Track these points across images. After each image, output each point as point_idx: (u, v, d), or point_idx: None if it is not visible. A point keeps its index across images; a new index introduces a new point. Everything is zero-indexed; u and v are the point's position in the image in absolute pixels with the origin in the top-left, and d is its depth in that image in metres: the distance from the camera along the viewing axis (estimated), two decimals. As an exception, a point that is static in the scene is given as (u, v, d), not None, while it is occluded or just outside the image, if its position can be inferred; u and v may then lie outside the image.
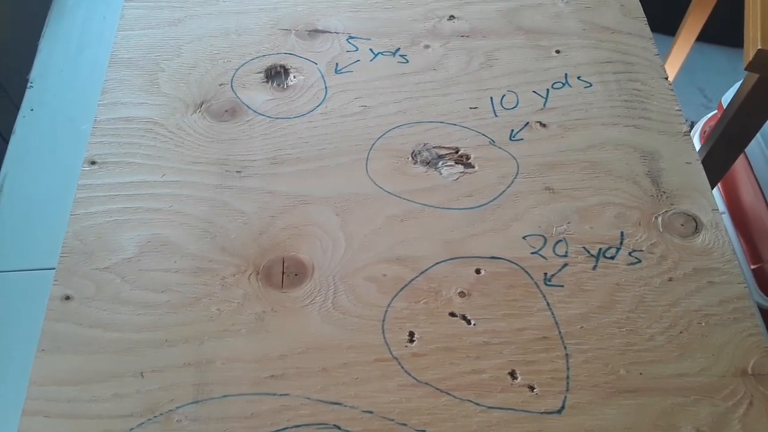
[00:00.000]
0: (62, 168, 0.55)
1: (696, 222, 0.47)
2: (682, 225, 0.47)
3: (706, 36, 1.20)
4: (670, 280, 0.44)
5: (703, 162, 0.76)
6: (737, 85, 0.80)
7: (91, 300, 0.43)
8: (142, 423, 0.39)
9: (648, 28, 0.57)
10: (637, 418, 0.39)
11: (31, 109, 0.59)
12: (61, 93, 0.61)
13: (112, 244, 0.45)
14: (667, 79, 0.54)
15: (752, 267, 1.04)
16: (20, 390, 0.39)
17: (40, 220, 0.54)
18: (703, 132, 1.13)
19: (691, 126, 1.24)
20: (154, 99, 0.52)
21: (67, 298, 0.43)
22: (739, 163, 1.08)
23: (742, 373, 0.41)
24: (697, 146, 0.83)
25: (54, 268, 0.44)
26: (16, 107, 0.60)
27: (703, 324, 0.43)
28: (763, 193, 1.02)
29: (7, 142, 0.58)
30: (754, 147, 1.05)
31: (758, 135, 1.02)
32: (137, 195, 0.47)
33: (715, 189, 1.13)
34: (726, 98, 1.01)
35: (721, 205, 1.12)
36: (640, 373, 0.41)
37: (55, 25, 0.66)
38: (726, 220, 1.09)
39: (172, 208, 0.46)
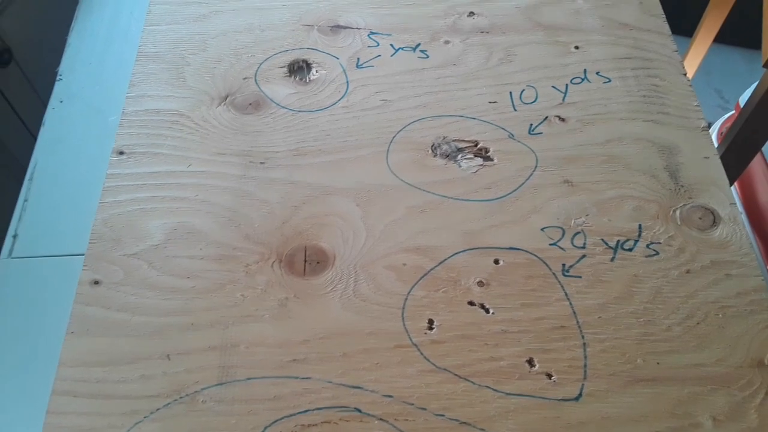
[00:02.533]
0: (90, 158, 0.56)
1: (714, 215, 0.47)
2: (699, 218, 0.47)
3: (723, 37, 1.20)
4: (688, 272, 0.45)
5: (722, 159, 0.76)
6: (755, 85, 0.80)
7: (119, 285, 0.44)
8: (168, 404, 0.40)
9: (667, 25, 0.57)
10: (653, 407, 0.40)
11: (61, 101, 0.61)
12: (89, 86, 0.62)
13: (140, 232, 0.46)
14: (685, 75, 0.54)
15: (768, 266, 1.03)
16: (50, 372, 0.41)
17: (70, 208, 0.55)
18: (720, 133, 1.13)
19: (708, 127, 1.24)
20: (180, 92, 0.53)
21: (96, 282, 0.44)
22: (756, 163, 1.07)
23: (759, 364, 0.41)
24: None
25: (83, 254, 0.45)
26: (43, 102, 0.62)
27: (720, 315, 0.43)
28: (780, 194, 1.02)
29: (35, 134, 0.59)
30: (772, 147, 1.04)
31: (776, 135, 1.02)
32: (164, 184, 0.48)
33: (732, 189, 1.12)
34: (743, 99, 1.01)
35: (738, 206, 1.11)
36: (657, 363, 0.41)
37: (84, 21, 0.67)
38: (743, 219, 1.09)
39: (197, 197, 0.48)
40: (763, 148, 1.06)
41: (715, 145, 1.07)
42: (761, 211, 1.06)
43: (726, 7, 1.04)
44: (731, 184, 0.84)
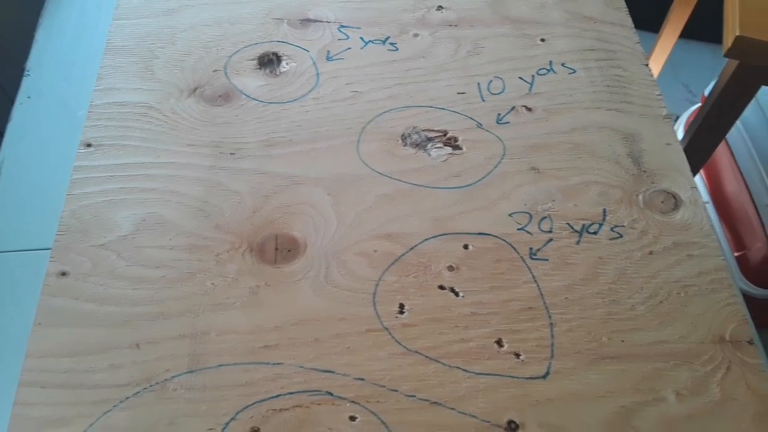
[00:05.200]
0: (59, 153, 0.56)
1: (675, 199, 0.48)
2: (662, 202, 0.48)
3: (690, 32, 1.23)
4: (651, 253, 0.46)
5: (686, 149, 0.79)
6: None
7: (87, 276, 0.44)
8: (138, 392, 0.40)
9: (629, 18, 0.59)
10: (619, 383, 0.41)
11: (28, 97, 0.60)
12: (57, 81, 0.62)
13: (108, 223, 0.46)
14: (647, 66, 0.56)
15: (736, 254, 1.06)
16: (19, 365, 0.40)
17: (38, 202, 0.55)
18: (687, 125, 1.15)
19: (676, 119, 1.27)
20: (148, 84, 0.53)
21: (64, 274, 0.44)
22: (722, 154, 1.10)
23: (720, 340, 0.42)
24: (681, 137, 0.85)
25: (50, 249, 0.45)
26: (10, 99, 0.61)
27: (683, 294, 0.44)
28: (745, 183, 1.05)
29: (2, 130, 0.59)
30: (736, 137, 1.07)
31: (740, 125, 1.05)
32: (133, 176, 0.48)
33: (699, 178, 1.15)
34: (709, 91, 1.04)
35: (704, 195, 1.14)
36: (622, 341, 0.42)
37: (51, 17, 0.67)
38: (710, 209, 1.12)
39: (167, 188, 0.48)
40: (729, 138, 1.09)
41: (681, 136, 1.10)
42: (727, 200, 1.09)
43: (691, 3, 1.06)
44: (697, 171, 0.86)
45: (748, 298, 1.03)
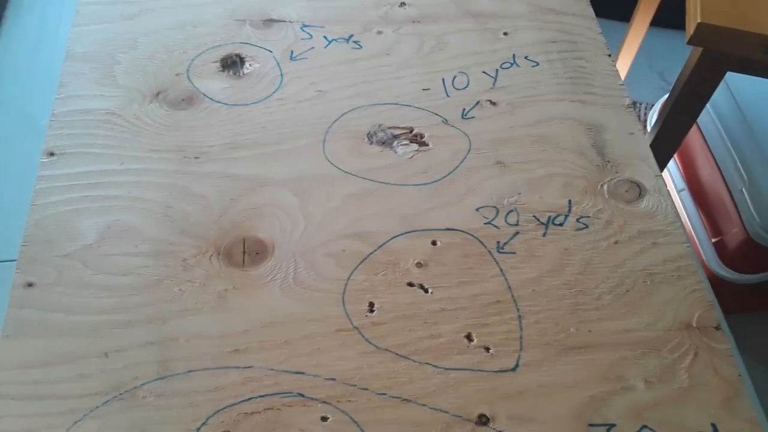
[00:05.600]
0: (22, 164, 0.55)
1: (639, 188, 0.49)
2: (626, 191, 0.49)
3: (663, 21, 1.24)
4: (616, 243, 0.46)
5: (658, 135, 0.79)
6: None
7: (53, 286, 0.43)
8: (107, 401, 0.39)
9: (591, 9, 0.59)
10: (587, 373, 0.41)
11: (-11, 108, 0.59)
12: (18, 91, 0.61)
13: (73, 232, 0.45)
14: (610, 56, 0.56)
15: (713, 240, 1.07)
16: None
17: (2, 214, 0.54)
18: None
19: (651, 107, 1.28)
20: (110, 91, 0.52)
21: (30, 285, 0.43)
22: (696, 141, 1.12)
23: (687, 327, 0.43)
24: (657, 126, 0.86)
25: (15, 260, 0.44)
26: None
27: (648, 282, 0.45)
28: (719, 170, 1.06)
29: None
30: (709, 125, 1.09)
31: (712, 113, 1.06)
32: (97, 183, 0.48)
33: (674, 167, 1.17)
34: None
35: (680, 183, 1.15)
36: (590, 331, 0.42)
37: (11, 27, 0.66)
38: (686, 196, 1.13)
39: (131, 194, 0.47)
40: (702, 126, 1.10)
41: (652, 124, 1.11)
42: (704, 189, 1.11)
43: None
44: (670, 157, 0.87)
45: (726, 283, 1.05)
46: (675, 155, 1.18)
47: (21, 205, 0.47)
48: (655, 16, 1.13)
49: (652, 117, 1.21)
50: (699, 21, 0.63)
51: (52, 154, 0.49)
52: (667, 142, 0.81)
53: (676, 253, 0.46)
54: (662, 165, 0.88)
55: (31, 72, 0.63)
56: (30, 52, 0.64)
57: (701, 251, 1.09)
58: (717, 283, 1.06)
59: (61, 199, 0.47)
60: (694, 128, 1.11)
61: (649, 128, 1.20)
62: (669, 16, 1.22)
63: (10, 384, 0.40)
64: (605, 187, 0.49)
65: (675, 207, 0.48)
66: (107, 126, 0.50)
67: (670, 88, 1.54)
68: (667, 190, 0.49)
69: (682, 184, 1.15)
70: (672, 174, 1.18)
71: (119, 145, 0.49)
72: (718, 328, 0.43)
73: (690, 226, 1.12)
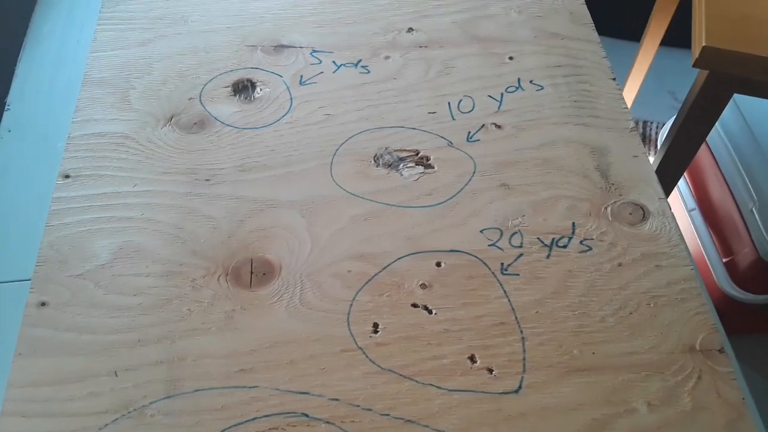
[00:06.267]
0: (40, 185, 0.57)
1: (643, 210, 0.49)
2: (630, 214, 0.49)
3: (673, 40, 1.25)
4: (620, 265, 0.47)
5: (666, 155, 0.80)
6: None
7: (66, 305, 0.44)
8: (117, 419, 0.40)
9: (595, 33, 0.60)
10: (590, 395, 0.41)
11: (9, 131, 0.61)
12: (37, 114, 0.63)
13: (86, 252, 0.47)
14: (614, 80, 0.57)
15: (724, 260, 1.07)
16: (0, 395, 0.41)
17: (17, 235, 0.55)
18: (669, 134, 1.16)
19: (662, 127, 1.28)
20: (125, 115, 0.54)
21: (43, 304, 0.44)
22: (706, 161, 1.11)
23: (691, 350, 0.43)
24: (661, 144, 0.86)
25: (30, 279, 0.45)
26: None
27: (652, 305, 0.45)
28: (730, 189, 1.06)
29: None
30: (718, 144, 1.08)
31: (722, 132, 1.06)
32: (110, 205, 0.49)
33: (685, 186, 1.16)
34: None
35: (691, 202, 1.15)
36: (593, 353, 0.43)
37: (31, 51, 0.68)
38: (697, 215, 1.13)
39: (143, 216, 0.48)
40: (712, 145, 1.10)
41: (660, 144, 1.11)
42: (714, 207, 1.10)
43: (670, 10, 1.08)
44: (678, 177, 0.87)
45: (737, 303, 1.04)
46: (685, 174, 1.18)
47: (37, 225, 0.49)
48: (666, 35, 1.14)
49: (663, 136, 1.21)
50: (704, 44, 0.63)
51: (67, 177, 0.50)
52: (675, 163, 0.81)
53: (680, 276, 0.46)
54: (671, 185, 0.88)
55: (50, 95, 0.64)
56: (49, 75, 0.66)
57: (712, 271, 1.08)
58: (728, 303, 1.05)
59: (75, 221, 0.48)
60: (704, 147, 1.11)
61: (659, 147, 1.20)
62: (679, 36, 1.23)
63: (22, 401, 0.41)
64: (609, 209, 0.49)
65: (679, 229, 0.49)
66: (122, 149, 0.52)
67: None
68: (671, 213, 0.49)
69: (692, 204, 1.15)
70: (682, 193, 1.17)
71: (132, 167, 0.51)
72: (721, 350, 0.43)
73: (701, 246, 1.11)
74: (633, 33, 1.26)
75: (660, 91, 1.59)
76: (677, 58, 1.58)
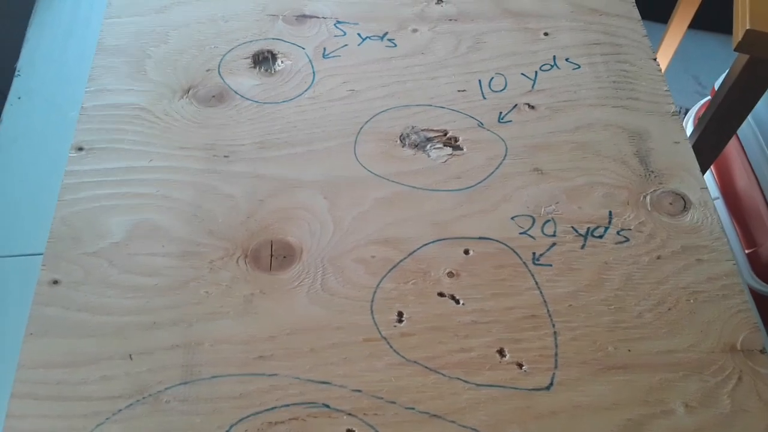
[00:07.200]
0: (50, 155, 0.55)
1: (684, 200, 0.47)
2: (670, 204, 0.47)
3: (699, 23, 1.20)
4: (659, 258, 0.44)
5: (695, 145, 0.77)
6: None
7: (79, 284, 0.43)
8: (131, 404, 0.39)
9: (636, 10, 0.57)
10: (625, 394, 0.39)
11: (19, 98, 0.59)
12: (48, 81, 0.61)
13: (100, 229, 0.45)
14: (655, 60, 0.54)
15: (747, 251, 1.04)
16: (10, 374, 0.39)
17: (29, 206, 0.54)
18: (696, 118, 1.13)
19: (686, 113, 1.24)
20: (141, 85, 0.51)
21: (55, 282, 0.43)
22: (733, 149, 1.08)
23: (731, 349, 0.41)
24: (690, 132, 0.83)
25: (42, 254, 0.44)
26: (1, 100, 0.60)
27: (692, 301, 0.43)
28: (756, 178, 1.02)
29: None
30: (747, 132, 1.05)
31: (751, 120, 1.02)
32: (125, 180, 0.47)
33: (709, 174, 1.13)
34: (719, 83, 1.01)
35: (715, 191, 1.12)
36: (629, 350, 0.41)
37: (42, 15, 0.66)
38: (720, 205, 1.10)
39: (159, 192, 0.46)
40: (740, 133, 1.06)
41: (690, 130, 1.08)
42: (738, 196, 1.07)
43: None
44: (707, 168, 0.84)
45: (759, 296, 1.02)
46: (710, 163, 1.15)
47: (48, 196, 0.47)
48: (694, 18, 1.10)
49: (687, 122, 1.18)
50: (748, 27, 0.60)
51: (80, 149, 0.48)
52: (706, 151, 0.78)
53: (722, 271, 0.44)
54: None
55: (62, 62, 0.62)
56: (60, 41, 0.64)
57: (734, 261, 1.06)
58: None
59: (89, 196, 0.46)
60: (731, 135, 1.08)
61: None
62: (707, 19, 1.18)
63: (34, 383, 0.39)
64: (648, 198, 0.47)
65: (721, 222, 0.46)
66: (137, 121, 0.49)
67: (705, 92, 1.50)
68: (713, 204, 0.47)
69: (716, 193, 1.12)
70: (706, 182, 1.14)
71: (148, 141, 0.49)
72: (763, 351, 0.41)
73: (723, 235, 1.08)
74: (659, 14, 1.21)
75: (684, 75, 1.55)
76: (703, 42, 1.54)
